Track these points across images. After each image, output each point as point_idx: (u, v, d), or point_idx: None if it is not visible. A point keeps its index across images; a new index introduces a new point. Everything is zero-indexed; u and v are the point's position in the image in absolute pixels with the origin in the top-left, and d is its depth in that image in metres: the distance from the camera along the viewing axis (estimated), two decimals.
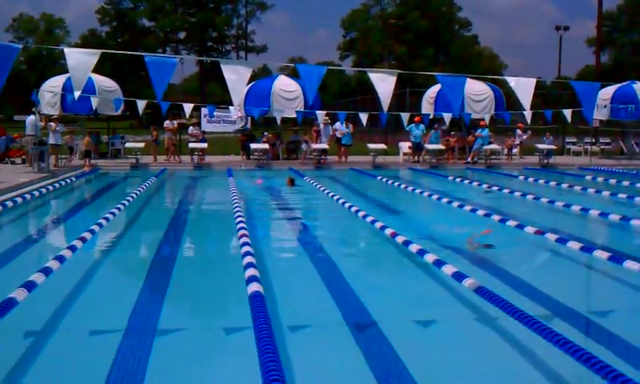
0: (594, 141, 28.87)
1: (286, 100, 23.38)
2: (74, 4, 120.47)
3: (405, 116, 22.08)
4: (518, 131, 27.12)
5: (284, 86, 23.87)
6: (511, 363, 4.86)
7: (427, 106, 26.24)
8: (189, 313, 6.23)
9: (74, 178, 17.39)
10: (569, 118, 20.40)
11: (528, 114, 13.11)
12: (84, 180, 18.23)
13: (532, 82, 11.71)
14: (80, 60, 9.76)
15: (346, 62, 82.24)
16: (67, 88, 20.84)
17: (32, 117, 19.04)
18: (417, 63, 66.83)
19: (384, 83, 10.89)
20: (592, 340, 5.30)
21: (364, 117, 21.79)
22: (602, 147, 29.21)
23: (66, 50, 10.03)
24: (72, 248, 7.45)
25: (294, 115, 22.79)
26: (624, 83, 26.05)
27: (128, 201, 11.98)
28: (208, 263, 8.36)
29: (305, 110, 22.54)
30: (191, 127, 24.77)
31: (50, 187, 14.76)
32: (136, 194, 13.10)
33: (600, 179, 17.81)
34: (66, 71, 10.76)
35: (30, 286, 5.62)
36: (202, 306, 6.44)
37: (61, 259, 6.81)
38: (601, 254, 7.51)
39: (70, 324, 5.64)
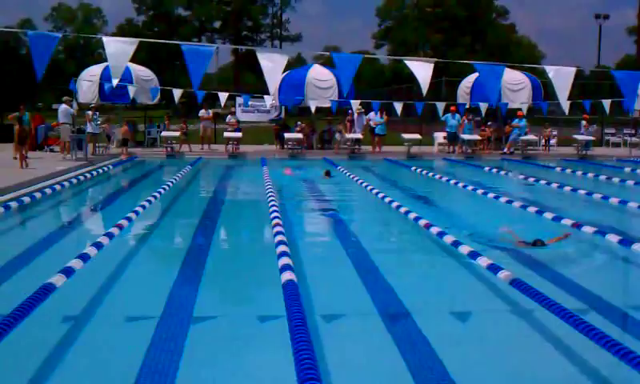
0: (633, 132, 28.23)
1: (320, 89, 23.35)
2: None
3: (440, 106, 21.88)
4: (584, 123, 26.67)
5: (318, 75, 23.83)
6: (546, 356, 4.81)
7: (463, 96, 25.93)
8: (223, 300, 6.30)
9: (111, 166, 17.66)
10: (607, 109, 20.00)
11: (566, 104, 12.85)
12: (121, 168, 18.50)
13: (571, 71, 11.46)
14: (118, 48, 9.86)
15: (380, 50, 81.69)
16: (105, 77, 21.14)
17: (64, 105, 19.37)
18: (453, 52, 66.02)
19: (422, 70, 10.77)
20: (629, 335, 5.20)
21: (398, 106, 21.66)
22: None
23: (105, 38, 10.15)
24: (109, 235, 7.58)
25: (328, 105, 22.76)
26: None
27: (164, 189, 12.14)
28: (242, 251, 8.43)
29: (339, 99, 22.49)
30: (229, 116, 24.93)
31: (88, 175, 15.03)
32: (172, 182, 13.26)
33: (639, 171, 17.43)
34: (104, 61, 10.94)
35: (68, 271, 5.74)
36: (237, 294, 6.50)
37: (98, 246, 6.94)
38: (638, 247, 7.38)
39: (107, 310, 5.74)
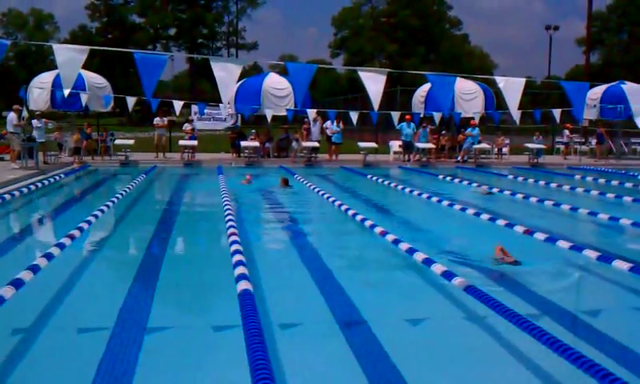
0: (583, 140, 29.03)
1: (277, 98, 23.33)
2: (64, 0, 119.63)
3: (395, 115, 22.11)
4: (566, 132, 27.27)
5: (274, 83, 23.81)
6: (502, 363, 4.88)
7: (418, 105, 26.28)
8: (178, 310, 6.21)
9: (62, 175, 17.29)
10: (558, 118, 20.56)
11: (517, 114, 13.13)
12: (73, 177, 18.13)
13: (521, 82, 11.74)
14: (69, 57, 9.69)
15: (337, 60, 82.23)
16: (57, 84, 20.70)
17: (12, 113, 18.92)
18: (408, 62, 66.92)
19: (374, 83, 10.89)
20: (580, 338, 5.32)
21: (354, 115, 21.81)
22: (591, 147, 29.38)
23: (55, 46, 9.97)
24: (60, 245, 7.41)
25: (285, 113, 22.78)
26: (613, 83, 26.23)
27: (117, 198, 11.94)
28: (197, 261, 8.33)
29: (295, 108, 22.53)
30: (186, 124, 24.70)
31: (39, 184, 14.67)
32: (125, 191, 13.05)
33: (589, 179, 17.92)
34: (56, 67, 10.70)
35: (17, 283, 5.59)
36: (191, 304, 6.42)
37: (49, 257, 6.77)
38: (590, 253, 7.57)
39: (58, 322, 5.61)
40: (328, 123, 23.84)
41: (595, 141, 26.62)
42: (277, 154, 24.70)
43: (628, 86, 24.99)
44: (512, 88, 11.67)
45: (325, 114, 23.59)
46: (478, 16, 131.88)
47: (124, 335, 5.13)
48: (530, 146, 24.76)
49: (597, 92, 25.49)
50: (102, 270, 7.98)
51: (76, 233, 8.23)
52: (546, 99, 35.18)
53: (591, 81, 25.16)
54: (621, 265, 6.82)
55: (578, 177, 18.63)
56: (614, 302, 6.70)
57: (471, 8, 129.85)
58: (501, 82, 11.84)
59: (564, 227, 10.59)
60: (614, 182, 16.70)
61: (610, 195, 13.89)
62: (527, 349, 4.86)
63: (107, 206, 10.83)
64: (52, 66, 16.24)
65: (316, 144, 23.71)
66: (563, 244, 8.13)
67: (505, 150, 26.47)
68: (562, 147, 28.91)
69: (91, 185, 17.00)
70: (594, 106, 25.18)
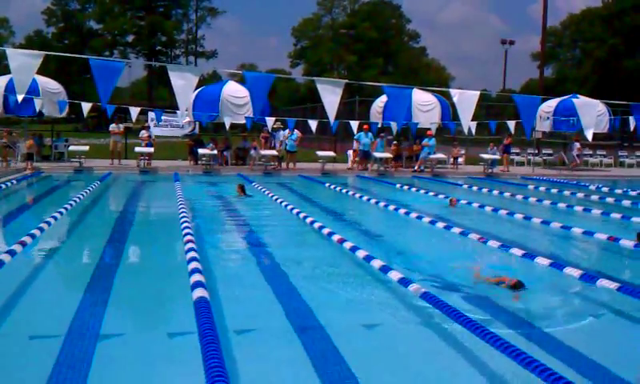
0: (536, 152, 29.69)
1: (235, 106, 23.25)
2: (19, 4, 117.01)
3: (354, 124, 22.28)
4: (577, 145, 27.62)
5: (233, 91, 23.72)
6: (452, 365, 4.95)
7: (376, 115, 26.52)
8: (132, 319, 6.13)
9: (14, 181, 16.88)
10: (512, 129, 21.00)
11: (472, 124, 13.37)
12: (25, 183, 17.73)
13: (475, 94, 11.97)
14: (23, 62, 9.51)
15: (296, 69, 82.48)
16: (10, 89, 20.27)
17: None
18: (366, 73, 67.50)
19: (331, 94, 10.97)
20: (534, 345, 5.42)
21: (313, 124, 21.88)
22: (545, 158, 30.06)
23: (9, 51, 9.76)
24: (11, 253, 7.23)
25: (243, 121, 22.71)
26: (566, 97, 26.93)
27: (70, 205, 11.71)
28: (152, 269, 8.21)
29: (253, 116, 22.48)
30: (143, 130, 24.39)
31: None
32: (79, 197, 12.81)
33: (542, 189, 18.33)
34: (9, 72, 10.48)
35: None
36: (146, 313, 6.33)
37: (0, 264, 6.61)
38: (542, 261, 7.75)
39: (9, 329, 5.49)
40: (286, 132, 23.86)
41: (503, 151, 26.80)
42: (235, 162, 24.59)
43: (580, 100, 25.63)
44: (466, 101, 11.88)
45: (284, 122, 23.60)
46: (436, 29, 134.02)
47: (76, 344, 5.04)
48: (484, 156, 25.21)
49: (550, 105, 26.15)
50: (54, 277, 7.83)
51: (27, 239, 8.04)
52: (501, 111, 35.87)
53: (545, 94, 25.84)
54: (572, 272, 6.99)
55: (531, 186, 19.03)
56: (562, 309, 6.85)
57: (429, 21, 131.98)
58: (455, 95, 12.05)
59: (516, 235, 10.78)
60: (566, 192, 17.12)
61: (562, 205, 14.24)
62: (481, 353, 4.96)
63: (60, 212, 10.62)
64: (5, 70, 15.89)
65: (274, 152, 23.70)
66: (516, 251, 8.31)
67: (460, 160, 26.86)
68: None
69: (44, 191, 16.64)
70: (547, 118, 25.79)
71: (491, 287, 7.07)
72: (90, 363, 4.64)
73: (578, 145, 28.79)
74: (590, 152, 31.01)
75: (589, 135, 14.11)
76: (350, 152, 25.88)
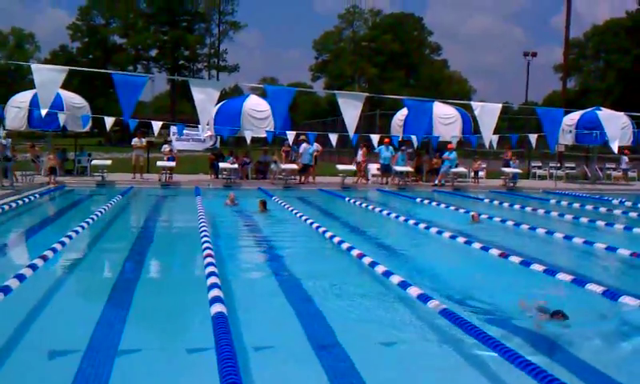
0: (558, 165, 29.40)
1: (257, 119, 23.37)
2: (45, 19, 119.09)
3: (375, 138, 22.25)
4: (625, 159, 27.45)
5: (254, 105, 23.86)
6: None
7: (397, 128, 26.46)
8: (151, 333, 6.15)
9: (37, 195, 17.10)
10: (534, 143, 20.82)
11: (494, 138, 13.27)
12: (48, 197, 17.94)
13: (497, 107, 11.89)
14: (47, 77, 9.65)
15: (317, 82, 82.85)
16: (35, 104, 20.57)
17: None
18: (387, 86, 67.52)
19: (351, 108, 10.97)
20: (555, 361, 5.34)
21: (334, 138, 21.85)
22: (567, 172, 29.75)
23: (34, 66, 9.93)
24: (33, 267, 7.32)
25: (264, 135, 22.81)
26: (589, 109, 26.64)
27: (92, 219, 11.83)
28: (172, 283, 8.25)
29: (274, 130, 22.56)
30: (165, 145, 24.60)
31: (13, 204, 14.49)
32: (101, 211, 12.93)
33: (564, 203, 18.13)
34: (34, 87, 10.65)
35: None
36: (165, 327, 6.35)
37: (21, 278, 6.69)
38: (564, 277, 7.66)
39: (30, 343, 5.53)
40: (303, 145, 23.80)
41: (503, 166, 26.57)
42: (255, 176, 24.68)
43: (603, 113, 25.36)
44: (488, 114, 11.79)
45: (306, 136, 23.66)
46: (457, 42, 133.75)
47: (96, 357, 5.07)
48: (505, 170, 25.00)
49: (573, 118, 25.88)
50: (75, 291, 7.90)
51: (49, 254, 8.14)
52: (524, 124, 35.65)
53: (568, 107, 25.60)
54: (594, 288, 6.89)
55: (553, 201, 18.84)
56: (584, 324, 6.74)
57: (451, 34, 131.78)
58: (477, 107, 11.97)
59: (537, 250, 10.66)
60: (589, 207, 16.91)
61: (584, 219, 14.07)
62: (500, 371, 4.90)
63: (81, 227, 10.73)
64: (31, 85, 16.13)
65: (294, 166, 23.75)
66: (537, 267, 8.23)
67: (481, 173, 26.68)
68: (615, 173, 29.48)
69: (66, 205, 16.83)
70: (570, 131, 25.54)
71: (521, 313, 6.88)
72: (109, 377, 4.66)
73: (626, 158, 28.46)
74: (613, 165, 30.64)
75: (614, 147, 13.95)
76: (371, 166, 25.85)
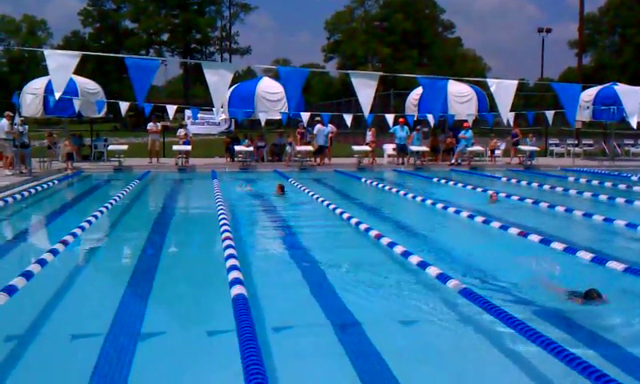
0: (576, 142, 29.11)
1: (270, 101, 23.34)
2: (56, 6, 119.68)
3: (389, 117, 22.15)
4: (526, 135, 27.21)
5: (268, 87, 23.82)
6: (492, 362, 4.88)
7: (411, 108, 26.32)
8: (172, 316, 6.18)
9: (56, 181, 17.23)
10: (550, 120, 20.61)
11: (510, 115, 13.14)
12: (66, 183, 18.07)
13: (513, 84, 11.75)
14: (60, 62, 9.66)
15: (330, 63, 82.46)
16: (49, 90, 20.64)
17: (4, 120, 18.81)
18: (401, 65, 67.08)
19: (365, 88, 10.88)
20: (576, 341, 5.31)
21: (348, 118, 21.78)
22: (585, 149, 29.46)
23: (46, 51, 9.93)
24: (54, 252, 7.38)
25: (279, 117, 22.77)
26: (606, 85, 26.29)
27: (111, 204, 11.90)
28: (192, 266, 8.29)
29: (289, 112, 22.51)
30: (180, 129, 24.67)
31: (32, 190, 14.62)
32: (119, 196, 13.01)
33: (583, 180, 17.97)
34: (48, 73, 10.67)
35: (10, 290, 5.57)
36: (186, 310, 6.38)
37: (42, 263, 6.75)
38: (584, 255, 7.60)
39: (52, 328, 5.58)
40: (317, 127, 23.69)
41: (512, 141, 26.25)
42: (271, 159, 24.69)
43: (620, 88, 25.01)
44: (504, 91, 11.66)
45: (320, 117, 23.58)
46: (470, 19, 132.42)
47: (118, 341, 5.11)
48: (522, 148, 24.81)
49: (590, 93, 25.59)
50: (95, 275, 7.95)
51: (69, 238, 8.21)
52: (539, 101, 35.31)
53: (584, 82, 25.30)
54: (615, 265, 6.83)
55: (571, 178, 18.68)
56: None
57: (464, 11, 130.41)
58: (492, 84, 11.84)
59: (558, 228, 10.58)
60: (608, 184, 16.75)
61: (603, 197, 13.94)
62: (523, 350, 4.87)
63: (100, 211, 10.80)
64: (45, 72, 16.17)
65: (309, 148, 23.71)
66: (557, 245, 8.17)
67: (498, 152, 26.47)
68: (634, 149, 29.29)
69: (84, 190, 16.94)
70: (587, 107, 25.25)
71: (537, 290, 6.85)
72: (132, 361, 4.70)
73: None
74: (632, 141, 30.29)
75: (633, 122, 13.76)
76: (387, 146, 25.75)
